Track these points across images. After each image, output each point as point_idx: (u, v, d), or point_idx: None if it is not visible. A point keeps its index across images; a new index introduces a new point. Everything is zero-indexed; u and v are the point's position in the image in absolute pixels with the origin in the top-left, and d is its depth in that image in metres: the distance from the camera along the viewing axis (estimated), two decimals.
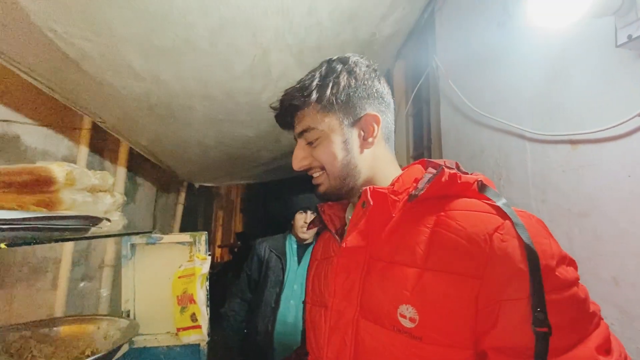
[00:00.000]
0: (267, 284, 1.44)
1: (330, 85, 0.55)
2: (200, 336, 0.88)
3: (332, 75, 0.56)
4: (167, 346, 0.92)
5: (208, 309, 0.91)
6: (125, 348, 0.76)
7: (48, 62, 1.19)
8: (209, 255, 1.00)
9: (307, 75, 0.59)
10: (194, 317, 0.89)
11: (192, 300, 0.89)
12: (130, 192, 2.10)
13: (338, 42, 1.26)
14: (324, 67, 0.59)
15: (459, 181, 0.46)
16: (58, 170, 0.70)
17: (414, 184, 0.50)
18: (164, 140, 1.99)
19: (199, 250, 0.98)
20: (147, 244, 0.97)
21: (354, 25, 1.18)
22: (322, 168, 0.58)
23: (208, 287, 0.93)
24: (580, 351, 0.37)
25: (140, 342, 0.92)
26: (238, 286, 1.61)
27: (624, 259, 0.52)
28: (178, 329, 0.90)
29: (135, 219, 2.05)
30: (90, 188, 0.80)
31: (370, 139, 0.57)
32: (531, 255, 0.39)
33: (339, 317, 0.51)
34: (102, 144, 1.74)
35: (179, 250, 1.02)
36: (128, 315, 0.92)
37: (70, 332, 0.85)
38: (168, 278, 0.98)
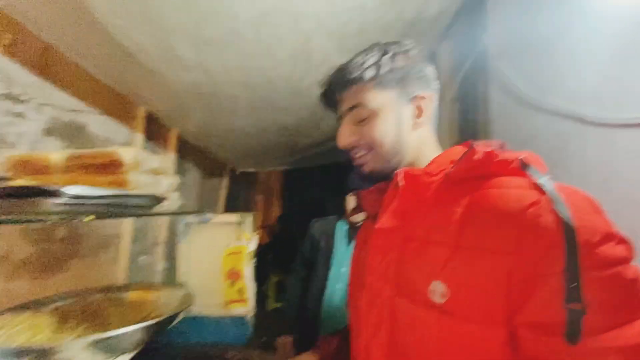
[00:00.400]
0: (317, 265, 1.48)
1: (386, 63, 0.56)
2: (246, 309, 0.96)
3: (387, 54, 0.57)
4: (216, 317, 1.01)
5: (253, 284, 0.98)
6: (181, 315, 0.84)
7: (108, 56, 1.30)
8: (256, 234, 1.07)
9: (359, 54, 0.59)
10: (241, 292, 0.96)
11: (239, 276, 0.97)
12: (179, 177, 2.27)
13: (381, 25, 1.23)
14: (377, 48, 0.59)
15: (495, 159, 0.44)
16: (126, 154, 0.77)
17: (450, 165, 0.50)
18: (210, 127, 2.11)
19: (246, 230, 1.05)
20: (200, 223, 1.06)
21: (398, 6, 1.14)
22: (369, 147, 0.58)
23: (254, 265, 1.00)
24: (622, 332, 0.34)
25: (193, 312, 1.02)
26: (294, 264, 1.67)
27: None
28: (226, 302, 0.99)
29: (184, 202, 2.22)
30: (151, 170, 0.87)
31: (420, 120, 0.57)
32: (568, 230, 0.36)
33: (376, 295, 0.52)
34: (154, 131, 1.88)
35: (228, 230, 1.09)
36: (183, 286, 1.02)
37: (137, 297, 0.96)
38: (218, 255, 1.06)
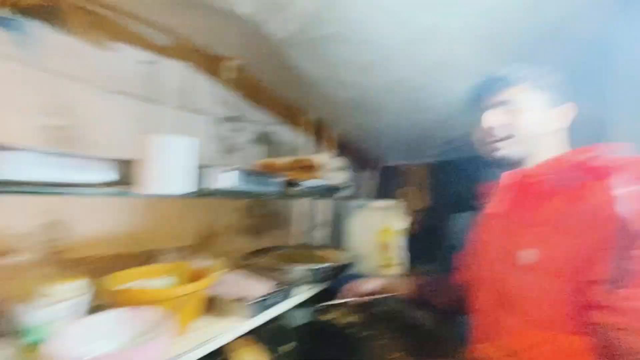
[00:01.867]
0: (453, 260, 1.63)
1: (545, 74, 0.71)
2: (395, 271, 1.27)
3: (542, 69, 0.72)
4: (372, 275, 1.38)
5: (402, 254, 1.27)
6: (349, 269, 1.22)
7: (287, 80, 1.82)
8: (404, 218, 1.36)
9: (517, 64, 0.74)
10: (390, 259, 1.28)
11: (388, 247, 1.28)
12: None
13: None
14: (532, 65, 0.72)
15: (587, 166, 0.57)
16: (321, 159, 1.20)
17: (552, 167, 0.63)
18: (365, 127, 2.50)
19: (395, 214, 1.35)
20: (361, 206, 1.43)
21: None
22: (510, 134, 0.69)
23: (403, 239, 1.29)
24: None
25: (356, 270, 1.40)
26: (439, 255, 1.88)
27: None
28: (380, 266, 1.32)
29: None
30: (333, 169, 1.29)
31: (559, 123, 0.69)
32: (626, 221, 0.50)
33: (490, 267, 0.71)
34: (320, 134, 2.42)
35: (381, 213, 1.43)
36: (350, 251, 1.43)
37: (319, 254, 1.43)
38: (374, 231, 1.41)
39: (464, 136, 2.55)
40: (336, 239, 2.27)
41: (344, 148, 2.90)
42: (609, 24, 1.41)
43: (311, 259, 1.35)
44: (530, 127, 0.68)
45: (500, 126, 0.69)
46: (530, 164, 0.70)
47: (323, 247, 1.50)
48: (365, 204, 1.40)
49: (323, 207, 2.36)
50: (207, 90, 1.55)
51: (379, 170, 3.72)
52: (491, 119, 0.71)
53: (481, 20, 1.23)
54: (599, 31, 1.51)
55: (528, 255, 0.62)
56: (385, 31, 1.35)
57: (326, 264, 1.10)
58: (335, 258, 1.35)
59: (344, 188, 1.18)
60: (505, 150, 0.70)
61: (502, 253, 0.69)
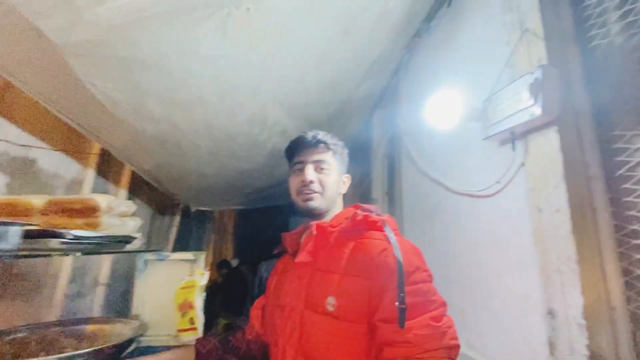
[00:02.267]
0: None
1: (343, 147, 0.88)
2: (196, 336, 1.08)
3: (341, 141, 0.89)
4: (167, 346, 1.11)
5: (203, 314, 1.12)
6: (133, 346, 0.96)
7: (79, 104, 1.45)
8: (207, 270, 1.22)
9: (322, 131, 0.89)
10: (192, 321, 1.09)
11: (191, 306, 1.10)
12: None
13: (323, 102, 1.57)
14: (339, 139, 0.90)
15: (369, 220, 0.74)
16: (102, 200, 0.94)
17: (345, 220, 0.77)
18: (168, 168, 2.24)
19: (199, 267, 1.21)
20: (158, 260, 1.19)
21: (335, 90, 1.49)
22: (321, 189, 0.81)
23: (204, 297, 1.15)
24: (421, 319, 0.61)
25: (145, 342, 1.12)
26: (246, 307, 1.77)
27: (493, 278, 0.77)
28: (179, 330, 1.10)
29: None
30: (120, 214, 1.04)
31: (344, 189, 0.88)
32: (399, 264, 0.64)
33: (291, 310, 0.75)
34: (107, 168, 1.95)
35: (182, 267, 1.24)
36: (137, 319, 1.12)
37: (92, 330, 1.06)
38: (172, 289, 1.20)
39: (274, 186, 2.79)
40: (119, 305, 1.79)
41: (139, 189, 2.48)
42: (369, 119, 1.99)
43: (73, 342, 0.97)
44: (334, 186, 0.82)
45: (316, 181, 0.80)
46: (329, 217, 0.82)
47: (97, 319, 1.10)
48: (162, 257, 1.18)
49: (101, 264, 1.83)
50: None
51: (182, 215, 3.41)
52: (311, 173, 0.81)
53: (292, 87, 1.42)
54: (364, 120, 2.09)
55: (329, 301, 0.68)
56: (201, 76, 1.32)
57: (95, 348, 0.79)
58: (115, 332, 1.03)
59: (132, 239, 0.94)
60: (315, 202, 0.80)
61: (303, 301, 0.72)
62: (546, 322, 0.60)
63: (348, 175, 0.89)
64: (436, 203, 1.11)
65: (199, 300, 1.12)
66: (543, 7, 0.67)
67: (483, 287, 0.81)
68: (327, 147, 0.84)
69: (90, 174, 1.76)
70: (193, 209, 3.55)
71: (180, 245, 3.30)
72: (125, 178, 2.21)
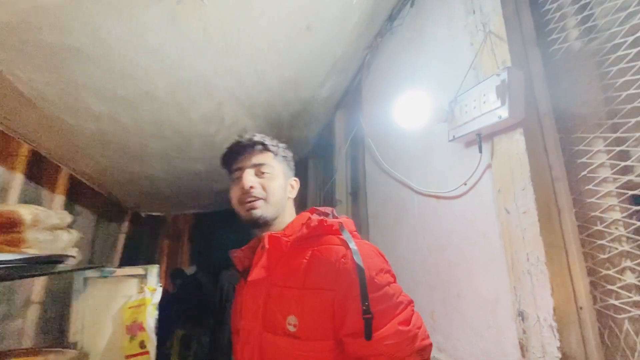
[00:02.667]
0: (227, 316, 1.49)
1: (286, 148, 0.81)
2: None
3: (283, 143, 0.82)
4: None
5: (156, 336, 1.00)
6: None
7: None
8: (160, 286, 1.10)
9: (270, 135, 0.81)
10: (142, 344, 0.97)
11: (141, 328, 0.98)
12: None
13: (284, 100, 1.50)
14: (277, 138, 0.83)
15: (325, 224, 0.68)
16: (26, 213, 0.80)
17: (300, 228, 0.70)
18: (113, 171, 2.03)
19: (150, 282, 1.08)
20: (100, 277, 1.04)
21: (297, 89, 1.43)
22: (263, 195, 0.73)
23: (157, 316, 1.03)
24: (389, 326, 0.57)
25: None
26: (207, 318, 1.63)
27: (462, 280, 0.78)
28: (127, 357, 0.97)
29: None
30: (51, 227, 0.89)
31: (292, 193, 0.80)
32: (360, 270, 0.59)
33: (248, 334, 0.67)
34: (39, 172, 1.71)
35: (130, 283, 1.10)
36: (75, 347, 0.97)
37: None
38: (117, 309, 1.06)
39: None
40: (58, 327, 1.57)
41: (80, 194, 2.22)
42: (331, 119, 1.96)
43: None
44: (279, 190, 0.75)
45: (257, 186, 0.73)
46: (278, 226, 0.74)
47: (24, 351, 0.93)
48: (105, 274, 1.03)
49: (34, 280, 1.59)
50: None
51: (131, 222, 3.12)
52: (251, 178, 0.73)
53: (252, 84, 1.34)
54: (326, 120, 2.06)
55: (289, 321, 0.62)
56: (148, 68, 1.18)
57: None
58: None
59: (64, 258, 0.80)
60: (260, 210, 0.72)
61: (261, 323, 0.65)
62: (516, 324, 0.60)
63: (296, 179, 0.82)
64: (401, 204, 1.10)
65: (150, 321, 1.00)
66: (505, 10, 0.68)
67: (452, 289, 0.81)
68: (266, 148, 0.77)
69: (18, 180, 1.52)
70: (143, 215, 3.28)
71: (130, 254, 3.03)
72: (62, 183, 1.96)
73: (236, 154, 0.78)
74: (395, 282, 0.64)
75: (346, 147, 2.07)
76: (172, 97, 1.35)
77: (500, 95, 0.61)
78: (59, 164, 1.84)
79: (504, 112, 0.60)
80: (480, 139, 0.69)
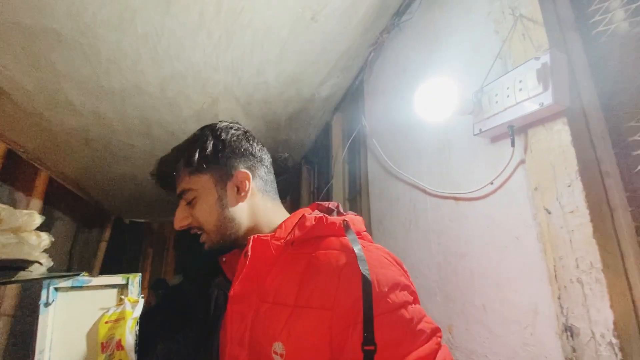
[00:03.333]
0: (214, 329, 1.38)
1: (198, 150, 0.60)
2: None
3: (199, 140, 0.61)
4: None
5: (136, 355, 0.88)
6: None
7: None
8: (142, 297, 0.97)
9: (180, 143, 0.65)
10: None
11: (119, 346, 0.85)
12: (44, 228, 1.91)
13: (283, 98, 1.42)
14: (194, 135, 0.64)
15: (325, 223, 0.53)
16: None
17: (294, 228, 0.55)
18: (95, 173, 1.90)
19: (131, 293, 0.95)
20: (73, 287, 0.91)
21: (297, 86, 1.35)
22: (199, 227, 0.60)
23: (138, 332, 0.90)
24: None
25: None
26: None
27: (489, 290, 0.70)
28: None
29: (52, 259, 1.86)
30: (15, 228, 0.77)
31: (243, 193, 0.61)
32: (366, 284, 0.44)
33: None
34: (14, 173, 1.58)
35: (108, 294, 0.97)
36: None
37: None
38: (92, 324, 0.93)
39: None
40: (24, 349, 1.43)
41: (60, 198, 2.08)
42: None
43: None
44: (210, 214, 0.60)
45: (188, 222, 0.61)
46: (261, 231, 0.61)
47: None
48: (79, 284, 0.90)
49: (4, 290, 1.44)
50: None
51: (113, 229, 2.95)
52: (177, 217, 0.62)
53: (249, 79, 1.25)
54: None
55: (275, 349, 0.47)
56: (137, 58, 1.09)
57: None
58: None
59: (27, 264, 0.69)
60: (207, 242, 0.61)
61: (247, 350, 0.51)
62: (563, 341, 0.52)
63: (238, 172, 0.61)
64: (412, 208, 1.02)
65: (130, 338, 0.87)
66: None
67: (476, 300, 0.73)
68: (177, 168, 0.61)
69: None
70: (126, 221, 3.11)
71: (112, 262, 2.86)
72: (40, 185, 1.82)
73: (168, 192, 0.65)
74: (416, 302, 0.49)
75: (344, 151, 2.00)
76: (162, 92, 1.25)
77: (542, 79, 0.54)
78: (37, 165, 1.71)
79: (546, 99, 0.53)
80: (513, 131, 0.62)
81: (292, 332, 0.47)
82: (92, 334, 0.92)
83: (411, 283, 0.50)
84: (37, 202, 1.77)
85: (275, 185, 0.68)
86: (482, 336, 0.70)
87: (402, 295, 0.47)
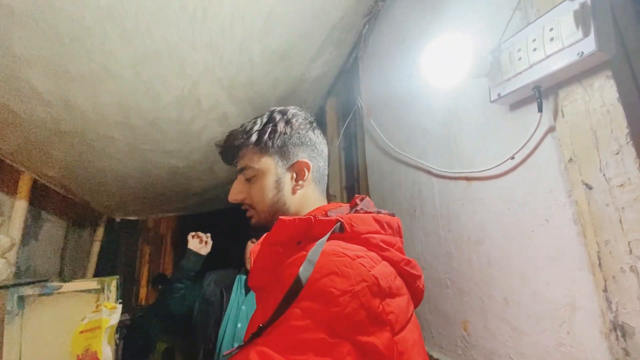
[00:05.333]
0: (207, 322, 1.31)
1: (269, 131, 0.63)
2: None
3: (271, 122, 0.64)
4: None
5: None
6: None
7: None
8: (120, 303, 0.88)
9: (250, 120, 0.66)
10: None
11: (95, 358, 0.76)
12: (32, 230, 1.81)
13: (271, 78, 1.30)
14: (265, 115, 0.66)
15: (313, 221, 0.48)
16: None
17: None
18: (77, 170, 1.78)
19: (108, 298, 0.86)
20: (41, 295, 0.81)
21: (286, 64, 1.23)
22: (253, 205, 0.63)
23: (118, 341, 0.81)
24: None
25: None
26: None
27: (512, 281, 0.61)
28: None
29: (37, 262, 1.75)
30: None
31: (300, 182, 0.63)
32: (296, 284, 0.39)
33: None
34: None
35: (84, 300, 0.88)
36: None
37: None
38: (67, 334, 0.83)
39: (218, 186, 2.41)
40: None
41: (47, 199, 1.98)
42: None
43: None
44: (263, 195, 0.62)
45: (242, 197, 0.65)
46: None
47: None
48: (48, 290, 0.81)
49: None
50: None
51: (106, 228, 2.85)
52: (233, 191, 0.65)
53: (231, 56, 1.14)
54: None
55: None
56: (104, 36, 0.97)
57: None
58: None
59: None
60: (253, 218, 0.64)
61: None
62: (610, 342, 0.43)
63: (300, 160, 0.63)
64: (416, 192, 0.92)
65: (107, 350, 0.78)
66: None
67: (495, 293, 0.64)
68: (245, 144, 0.63)
69: None
70: (118, 220, 3.01)
71: (106, 263, 2.78)
72: (25, 187, 1.71)
73: (225, 162, 0.68)
74: (356, 310, 0.38)
75: (339, 137, 1.90)
76: (136, 75, 1.13)
77: (582, 23, 0.43)
78: (17, 166, 1.60)
79: (588, 46, 0.43)
80: (540, 93, 0.52)
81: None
82: (65, 347, 0.83)
83: (367, 294, 0.39)
84: (22, 204, 1.67)
85: (326, 178, 0.70)
86: (505, 334, 0.61)
87: (333, 283, 0.39)
